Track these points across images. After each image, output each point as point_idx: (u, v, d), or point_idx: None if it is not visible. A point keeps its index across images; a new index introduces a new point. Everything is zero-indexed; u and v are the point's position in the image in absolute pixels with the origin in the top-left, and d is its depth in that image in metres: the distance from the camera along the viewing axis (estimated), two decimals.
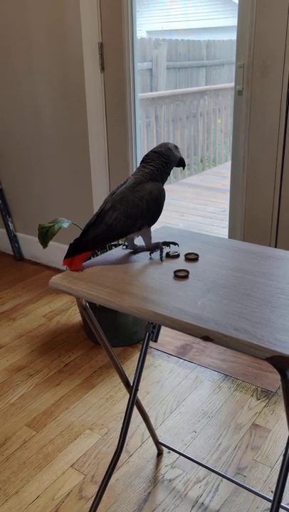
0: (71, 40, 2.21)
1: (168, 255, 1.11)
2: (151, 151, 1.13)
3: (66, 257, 1.07)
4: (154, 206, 1.08)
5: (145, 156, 1.13)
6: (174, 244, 1.15)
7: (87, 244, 1.07)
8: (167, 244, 1.14)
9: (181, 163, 1.16)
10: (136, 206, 1.07)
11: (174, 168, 1.18)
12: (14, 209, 2.88)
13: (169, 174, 1.14)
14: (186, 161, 4.93)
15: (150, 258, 1.11)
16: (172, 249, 1.14)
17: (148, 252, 1.14)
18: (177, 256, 1.11)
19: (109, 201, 1.08)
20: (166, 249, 1.14)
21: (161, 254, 1.11)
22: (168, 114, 4.69)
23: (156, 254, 1.13)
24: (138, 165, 1.14)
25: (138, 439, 1.57)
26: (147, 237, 1.13)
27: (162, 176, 1.12)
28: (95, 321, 1.13)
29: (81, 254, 1.07)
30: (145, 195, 1.07)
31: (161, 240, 1.15)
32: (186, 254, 1.10)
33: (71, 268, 1.06)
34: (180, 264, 1.08)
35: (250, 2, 1.73)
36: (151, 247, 1.13)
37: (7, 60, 2.50)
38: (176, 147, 1.14)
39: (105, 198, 1.13)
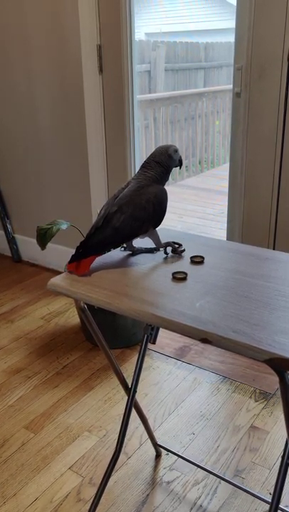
0: (70, 42, 2.21)
1: (176, 252, 1.14)
2: (153, 160, 1.13)
3: (71, 261, 1.05)
4: (159, 209, 1.10)
5: (146, 162, 1.14)
6: (179, 245, 1.16)
7: (94, 247, 1.06)
8: (175, 244, 1.16)
9: (178, 163, 1.17)
10: (143, 209, 1.08)
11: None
12: (12, 211, 2.87)
13: (168, 178, 1.16)
14: (185, 163, 4.94)
15: (165, 257, 1.13)
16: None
17: (147, 254, 1.14)
18: (183, 251, 1.14)
19: (115, 204, 1.08)
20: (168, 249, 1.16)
21: (174, 250, 1.13)
22: (166, 116, 4.69)
23: (169, 251, 1.14)
24: (136, 167, 1.15)
25: (136, 441, 1.57)
26: (155, 237, 1.14)
27: (162, 180, 1.13)
28: (93, 322, 1.12)
29: (87, 258, 1.06)
30: (151, 198, 1.09)
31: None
32: (191, 257, 1.10)
33: (78, 273, 1.04)
34: (178, 266, 1.08)
35: (248, 4, 1.74)
36: (162, 246, 1.15)
37: (6, 62, 2.50)
38: (176, 151, 1.14)
39: (107, 200, 1.13)
